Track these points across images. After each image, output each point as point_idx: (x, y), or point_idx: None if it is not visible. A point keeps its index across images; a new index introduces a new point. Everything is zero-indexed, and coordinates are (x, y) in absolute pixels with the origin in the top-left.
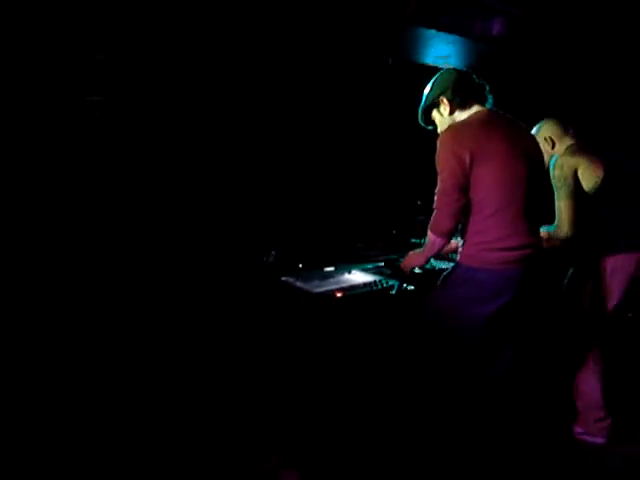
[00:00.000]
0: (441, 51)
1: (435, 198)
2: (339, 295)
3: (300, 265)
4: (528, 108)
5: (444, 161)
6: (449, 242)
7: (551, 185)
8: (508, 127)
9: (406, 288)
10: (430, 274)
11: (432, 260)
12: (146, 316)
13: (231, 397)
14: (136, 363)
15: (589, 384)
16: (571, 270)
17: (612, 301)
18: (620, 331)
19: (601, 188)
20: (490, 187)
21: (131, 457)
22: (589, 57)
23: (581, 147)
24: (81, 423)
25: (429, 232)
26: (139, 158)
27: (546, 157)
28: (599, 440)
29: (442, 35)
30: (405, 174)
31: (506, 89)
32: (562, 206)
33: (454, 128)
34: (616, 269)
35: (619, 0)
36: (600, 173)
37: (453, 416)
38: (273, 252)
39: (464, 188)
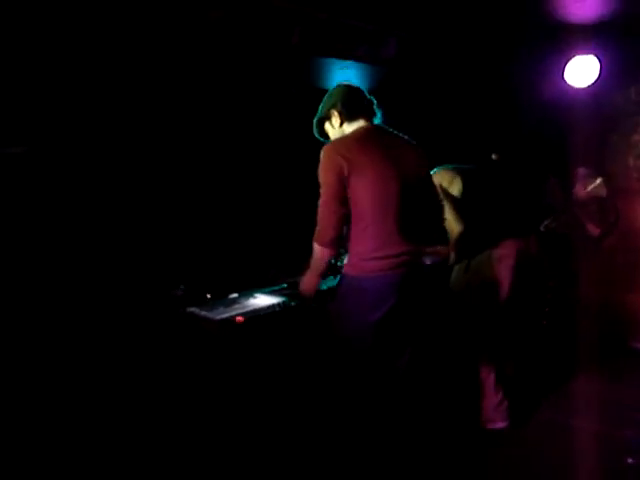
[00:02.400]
0: (339, 76)
1: (318, 210)
2: (240, 319)
3: (208, 295)
4: (421, 123)
5: (323, 172)
6: (336, 251)
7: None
8: (387, 143)
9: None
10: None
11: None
12: (50, 345)
13: (143, 429)
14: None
15: (483, 371)
16: (457, 266)
17: (503, 288)
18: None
19: (472, 193)
20: (363, 200)
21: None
22: (471, 73)
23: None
24: None
25: (314, 244)
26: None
27: None
28: (500, 425)
29: (333, 61)
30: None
31: (402, 106)
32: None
33: (334, 141)
34: (503, 256)
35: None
36: (459, 182)
37: (361, 419)
38: (182, 286)
39: (343, 199)
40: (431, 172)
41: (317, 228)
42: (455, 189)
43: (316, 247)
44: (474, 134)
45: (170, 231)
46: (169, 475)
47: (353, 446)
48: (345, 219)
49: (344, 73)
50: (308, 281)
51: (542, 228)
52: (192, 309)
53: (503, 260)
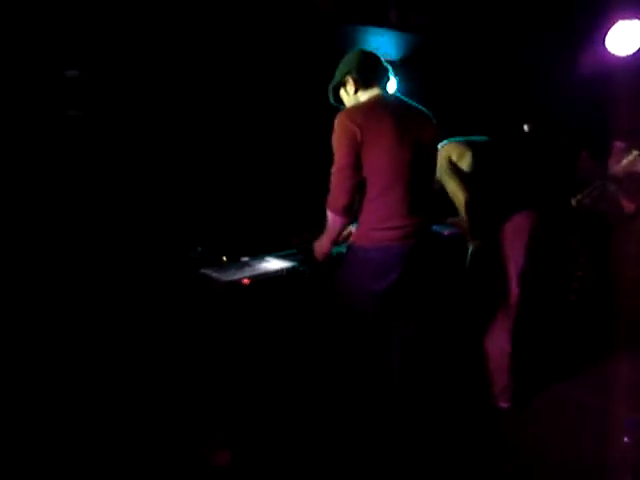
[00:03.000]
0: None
1: (331, 177)
2: (246, 282)
3: (224, 258)
4: (451, 92)
5: (337, 139)
6: (349, 219)
7: None
8: (401, 112)
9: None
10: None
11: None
12: (70, 309)
13: (160, 386)
14: (62, 355)
15: (497, 349)
16: (472, 246)
17: (518, 261)
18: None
19: (484, 167)
20: (374, 170)
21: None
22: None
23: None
24: None
25: (327, 211)
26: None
27: None
28: (503, 405)
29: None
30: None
31: (434, 75)
32: (449, 186)
33: (348, 109)
34: (517, 228)
35: None
36: (469, 156)
37: (362, 389)
38: (199, 248)
39: (356, 166)
40: (439, 145)
41: (330, 195)
42: (465, 163)
43: (329, 214)
44: (505, 105)
45: (191, 195)
46: (170, 425)
47: (352, 412)
48: (358, 187)
49: (376, 40)
50: (321, 246)
51: (574, 203)
52: (205, 270)
53: (517, 232)
